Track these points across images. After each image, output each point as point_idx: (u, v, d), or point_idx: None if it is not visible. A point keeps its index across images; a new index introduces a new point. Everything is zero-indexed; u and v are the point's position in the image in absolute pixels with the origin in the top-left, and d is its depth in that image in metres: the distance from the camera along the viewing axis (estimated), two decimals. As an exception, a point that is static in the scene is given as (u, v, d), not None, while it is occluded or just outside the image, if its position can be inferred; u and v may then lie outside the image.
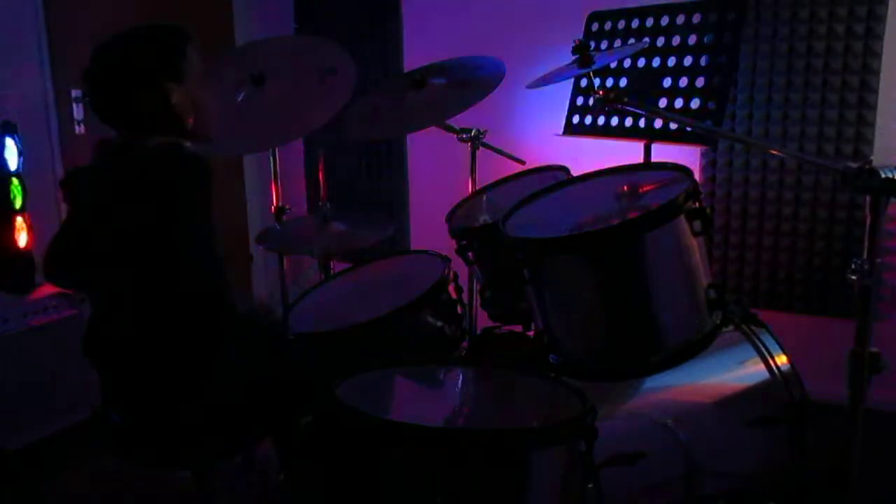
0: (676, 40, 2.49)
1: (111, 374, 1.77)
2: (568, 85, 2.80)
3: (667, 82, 2.47)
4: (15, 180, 2.86)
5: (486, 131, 2.62)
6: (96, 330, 1.78)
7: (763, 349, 1.94)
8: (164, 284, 1.65)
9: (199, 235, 1.65)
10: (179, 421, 1.71)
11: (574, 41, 2.06)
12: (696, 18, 2.45)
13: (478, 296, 2.34)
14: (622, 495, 1.76)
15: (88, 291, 1.86)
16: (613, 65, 2.65)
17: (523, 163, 2.72)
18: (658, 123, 2.49)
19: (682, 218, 1.57)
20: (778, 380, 1.90)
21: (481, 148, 2.64)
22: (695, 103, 2.39)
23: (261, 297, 3.72)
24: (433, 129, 2.61)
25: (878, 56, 2.78)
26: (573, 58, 2.10)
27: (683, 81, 2.43)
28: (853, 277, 1.46)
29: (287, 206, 2.72)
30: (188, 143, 1.73)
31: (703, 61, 2.41)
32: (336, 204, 2.50)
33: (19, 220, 2.87)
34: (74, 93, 3.31)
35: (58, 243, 1.72)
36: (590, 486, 1.45)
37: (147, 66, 1.68)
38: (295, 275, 2.30)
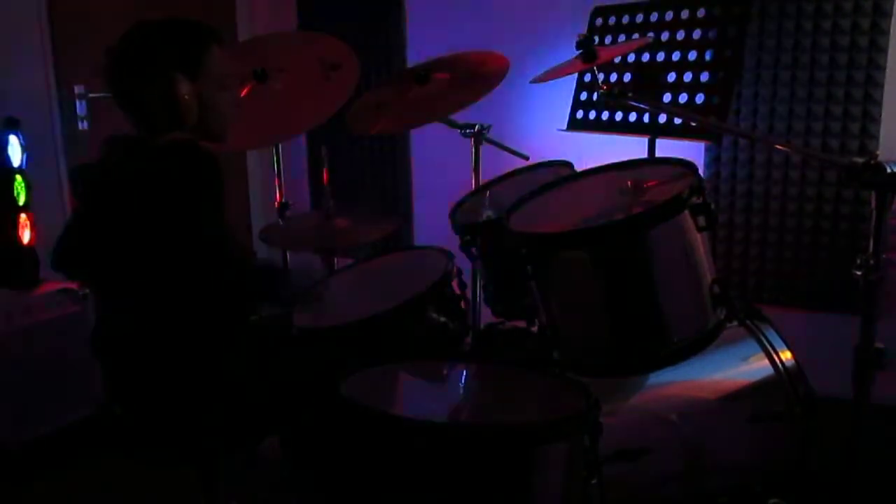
0: (681, 35, 2.48)
1: (118, 371, 1.77)
2: (572, 80, 2.80)
3: (671, 77, 2.47)
4: (18, 177, 2.86)
5: (489, 127, 2.62)
6: (104, 327, 1.79)
7: (767, 345, 1.93)
8: (172, 280, 1.65)
9: (207, 232, 1.65)
10: (185, 417, 1.71)
11: (578, 36, 2.05)
12: (701, 13, 2.45)
13: (481, 291, 2.33)
14: (626, 491, 1.76)
15: (97, 286, 1.86)
16: (618, 60, 2.64)
17: (527, 158, 2.72)
18: (662, 118, 2.49)
19: (687, 213, 1.57)
20: (782, 376, 1.90)
21: (485, 143, 2.63)
22: (699, 98, 2.38)
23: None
24: (437, 124, 2.61)
25: (884, 51, 2.77)
26: (577, 53, 2.09)
27: (688, 76, 2.42)
28: (858, 273, 1.46)
29: (290, 203, 2.72)
30: (199, 141, 1.73)
31: (707, 56, 2.41)
32: (339, 200, 2.50)
33: (23, 216, 2.87)
34: (77, 89, 3.32)
35: (66, 238, 1.72)
36: (593, 481, 1.45)
37: (161, 54, 1.69)
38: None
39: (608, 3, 2.76)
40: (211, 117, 1.76)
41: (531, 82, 2.36)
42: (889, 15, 2.75)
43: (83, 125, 3.35)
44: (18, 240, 2.86)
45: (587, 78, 2.71)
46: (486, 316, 2.39)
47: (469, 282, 2.29)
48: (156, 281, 1.66)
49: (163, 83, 1.67)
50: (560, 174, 2.14)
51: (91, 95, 3.33)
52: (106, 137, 1.77)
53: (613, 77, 2.64)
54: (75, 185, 1.77)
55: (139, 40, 1.71)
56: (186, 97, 1.68)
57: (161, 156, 1.66)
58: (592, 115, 2.70)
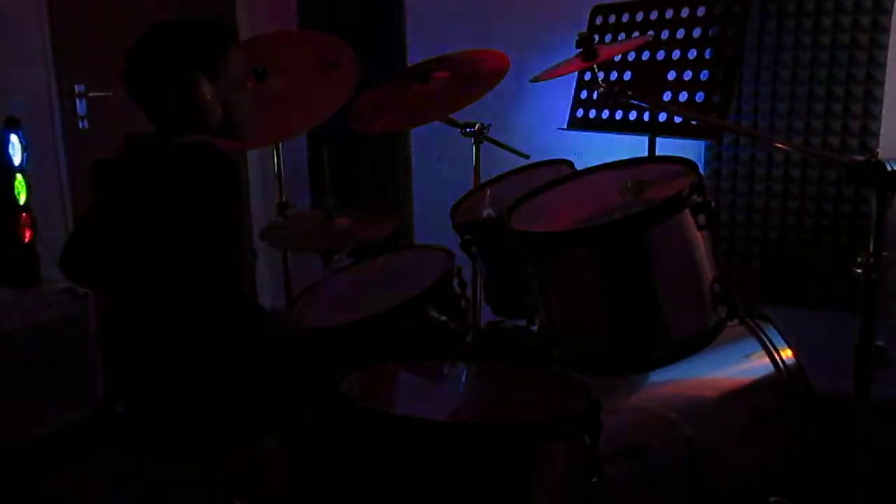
0: (681, 33, 2.48)
1: (123, 369, 1.77)
2: (572, 79, 2.80)
3: (671, 75, 2.46)
4: (19, 176, 2.87)
5: (489, 125, 2.62)
6: (111, 324, 1.79)
7: (768, 343, 1.93)
8: (183, 280, 1.65)
9: (221, 233, 1.66)
10: (188, 415, 1.71)
11: (578, 34, 2.05)
12: (701, 11, 2.44)
13: (482, 290, 2.33)
14: (626, 489, 1.76)
15: (107, 285, 1.86)
16: (618, 58, 2.64)
17: (527, 157, 2.71)
18: (663, 117, 2.48)
19: (687, 212, 1.57)
20: (783, 374, 1.90)
21: (485, 142, 2.63)
22: (699, 97, 2.38)
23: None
24: (437, 123, 2.61)
25: (884, 48, 2.76)
26: (577, 51, 2.09)
27: (688, 74, 2.42)
28: (859, 271, 1.46)
29: (290, 202, 2.72)
30: (216, 142, 1.73)
31: (707, 54, 2.41)
32: (339, 199, 2.50)
33: (23, 215, 2.87)
34: (78, 88, 3.31)
35: (78, 238, 1.72)
36: (594, 480, 1.45)
37: (180, 55, 1.69)
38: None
39: (608, 1, 2.76)
40: (234, 117, 1.76)
41: (531, 81, 2.36)
42: (889, 12, 2.74)
43: (83, 125, 3.34)
44: (18, 239, 2.86)
45: (587, 76, 2.71)
46: (487, 315, 2.39)
47: (469, 281, 2.29)
48: (166, 281, 1.66)
49: (184, 84, 1.67)
50: (560, 173, 2.14)
51: (91, 95, 3.33)
52: (126, 135, 1.76)
53: (614, 75, 2.64)
54: (95, 181, 1.76)
55: (158, 41, 1.70)
56: (208, 98, 1.68)
57: (179, 156, 1.66)
58: (593, 113, 2.69)
